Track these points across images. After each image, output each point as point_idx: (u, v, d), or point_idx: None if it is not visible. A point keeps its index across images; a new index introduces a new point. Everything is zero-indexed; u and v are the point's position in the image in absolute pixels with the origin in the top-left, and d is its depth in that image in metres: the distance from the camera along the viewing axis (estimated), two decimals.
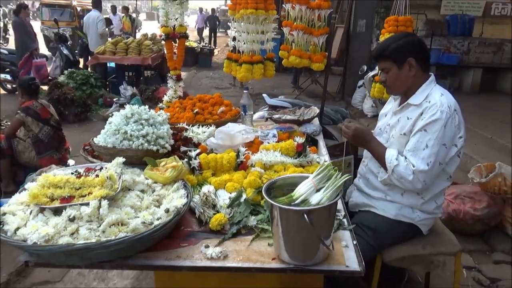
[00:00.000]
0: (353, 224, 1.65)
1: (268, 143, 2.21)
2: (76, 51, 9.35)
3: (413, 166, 1.76)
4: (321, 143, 2.61)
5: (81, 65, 9.04)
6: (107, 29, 9.21)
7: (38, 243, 1.25)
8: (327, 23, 3.18)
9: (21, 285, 2.73)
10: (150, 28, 19.48)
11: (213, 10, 20.80)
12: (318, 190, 1.40)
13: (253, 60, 3.04)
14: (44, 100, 4.43)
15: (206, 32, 19.78)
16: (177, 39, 3.36)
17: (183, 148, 2.11)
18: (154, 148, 1.88)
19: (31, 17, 10.96)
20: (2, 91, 8.17)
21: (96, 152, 2.01)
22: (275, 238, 1.40)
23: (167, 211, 1.44)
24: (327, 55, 3.26)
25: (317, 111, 3.06)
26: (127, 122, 1.89)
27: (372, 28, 8.59)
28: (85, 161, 2.03)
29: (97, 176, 1.54)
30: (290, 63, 3.19)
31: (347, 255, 1.41)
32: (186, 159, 1.96)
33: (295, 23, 3.11)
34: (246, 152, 2.05)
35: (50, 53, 10.44)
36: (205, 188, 1.72)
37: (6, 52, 8.40)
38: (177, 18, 3.23)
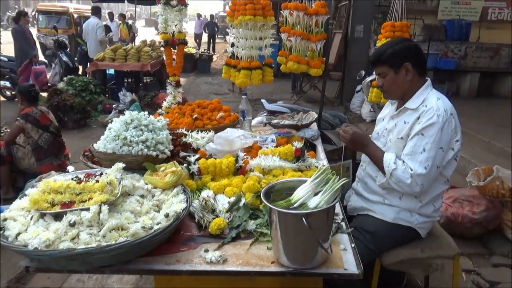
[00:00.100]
0: (351, 227, 1.66)
1: (267, 148, 2.23)
2: (75, 58, 9.39)
3: (411, 170, 1.77)
4: (320, 148, 2.63)
5: (79, 72, 9.07)
6: (106, 36, 9.24)
7: (39, 248, 1.26)
8: (324, 29, 3.22)
9: None
10: (148, 34, 19.55)
11: (211, 16, 20.89)
12: (316, 194, 1.42)
13: (251, 66, 3.06)
14: (44, 106, 4.45)
15: (204, 38, 19.85)
16: (176, 46, 3.38)
17: (182, 154, 2.13)
18: (154, 153, 1.90)
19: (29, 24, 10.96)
20: (2, 98, 8.20)
21: (96, 158, 2.02)
22: (274, 241, 1.42)
23: (166, 215, 1.46)
24: (325, 60, 3.28)
25: (315, 116, 3.08)
26: (127, 128, 1.91)
27: (370, 33, 8.64)
28: (85, 167, 2.04)
29: (97, 181, 1.56)
30: (288, 69, 3.21)
31: (346, 258, 1.42)
32: (185, 164, 1.97)
33: (293, 29, 3.14)
34: (245, 157, 2.06)
35: (46, 60, 10.42)
36: (205, 193, 1.73)
37: (5, 59, 8.43)
38: (176, 25, 3.25)
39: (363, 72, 6.52)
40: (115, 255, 1.31)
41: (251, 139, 2.28)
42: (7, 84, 8.11)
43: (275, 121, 2.95)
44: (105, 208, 1.41)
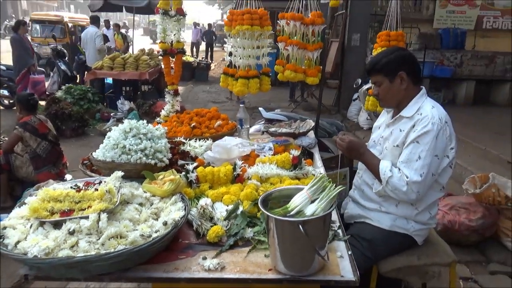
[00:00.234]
0: (348, 235, 1.68)
1: (264, 156, 2.25)
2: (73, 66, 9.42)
3: (407, 177, 1.79)
4: (317, 156, 2.65)
5: (77, 81, 9.09)
6: (105, 45, 9.29)
7: (39, 256, 1.27)
8: (321, 38, 3.26)
9: None
10: (145, 43, 19.59)
11: (209, 25, 21.03)
12: (312, 201, 1.43)
13: (249, 74, 3.09)
14: (42, 115, 4.46)
15: (202, 46, 19.93)
16: (174, 55, 3.41)
17: (180, 162, 2.14)
18: (152, 162, 1.91)
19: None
20: (0, 107, 8.20)
21: (95, 166, 2.04)
22: (271, 249, 1.43)
23: (165, 223, 1.47)
24: (321, 69, 3.32)
25: (313, 124, 3.10)
26: (125, 137, 1.93)
27: (367, 42, 8.72)
28: (83, 176, 2.05)
29: (96, 190, 1.57)
30: (285, 77, 3.25)
31: (342, 265, 1.44)
32: (183, 173, 1.99)
33: (290, 39, 3.18)
34: (243, 165, 2.08)
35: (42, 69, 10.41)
36: (203, 201, 1.74)
37: (4, 68, 8.46)
38: (174, 34, 3.28)
39: (359, 81, 6.58)
40: (114, 263, 1.32)
41: (248, 147, 2.30)
42: (5, 92, 8.13)
43: (272, 129, 2.97)
44: (104, 216, 1.42)
